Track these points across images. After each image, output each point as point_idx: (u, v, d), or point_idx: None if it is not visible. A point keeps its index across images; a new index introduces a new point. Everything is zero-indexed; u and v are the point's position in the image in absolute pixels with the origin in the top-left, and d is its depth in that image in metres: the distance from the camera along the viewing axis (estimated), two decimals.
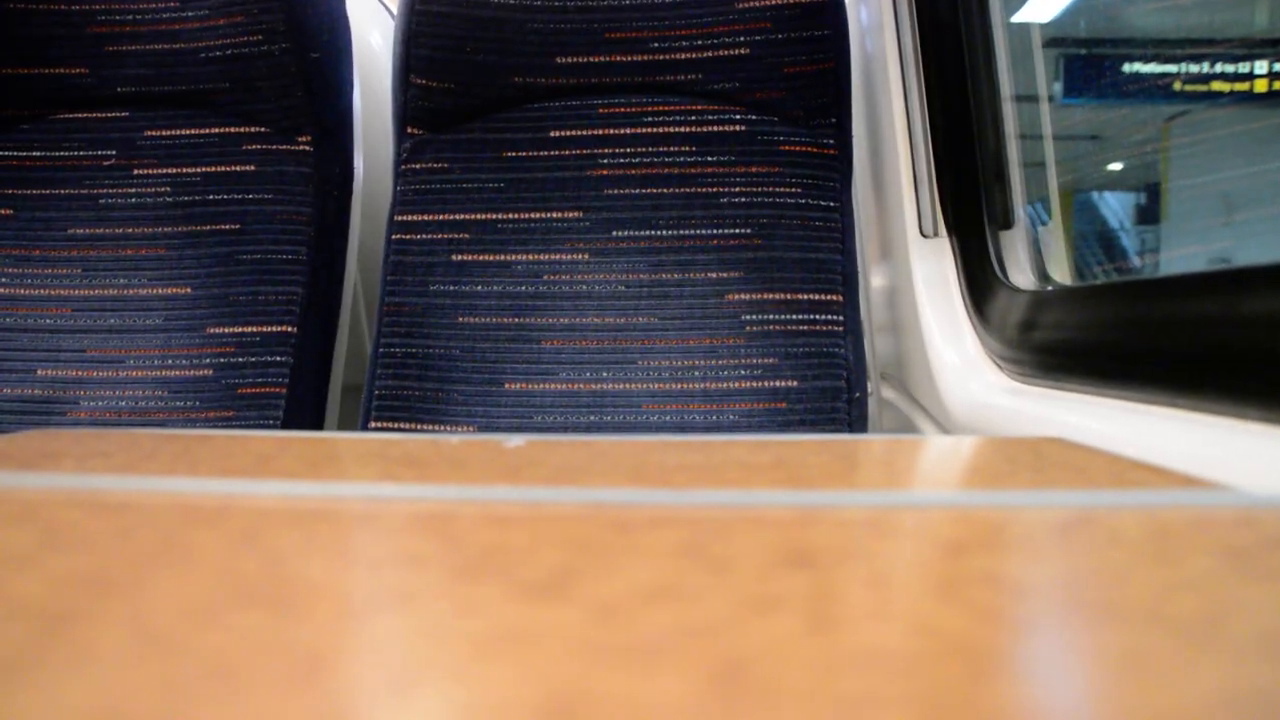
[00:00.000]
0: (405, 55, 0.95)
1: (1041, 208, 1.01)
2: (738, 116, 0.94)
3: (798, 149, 0.93)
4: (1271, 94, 5.89)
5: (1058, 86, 5.86)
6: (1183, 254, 6.45)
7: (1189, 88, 5.88)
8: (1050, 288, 0.81)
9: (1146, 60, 5.88)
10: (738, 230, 0.91)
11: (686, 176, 0.93)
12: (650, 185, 0.94)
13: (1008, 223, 0.88)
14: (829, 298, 0.87)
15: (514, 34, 0.95)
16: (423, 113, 0.96)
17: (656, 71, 0.95)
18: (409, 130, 0.97)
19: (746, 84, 0.94)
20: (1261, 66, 5.84)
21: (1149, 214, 7.19)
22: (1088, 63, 5.94)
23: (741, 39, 0.94)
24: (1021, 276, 0.87)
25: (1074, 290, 0.71)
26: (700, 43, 0.95)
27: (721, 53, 0.94)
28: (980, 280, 0.85)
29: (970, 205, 0.90)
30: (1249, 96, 5.87)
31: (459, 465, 0.40)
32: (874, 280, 1.07)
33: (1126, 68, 5.94)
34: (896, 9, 1.02)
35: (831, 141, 0.93)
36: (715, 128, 0.94)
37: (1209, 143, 6.19)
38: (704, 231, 0.92)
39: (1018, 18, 5.93)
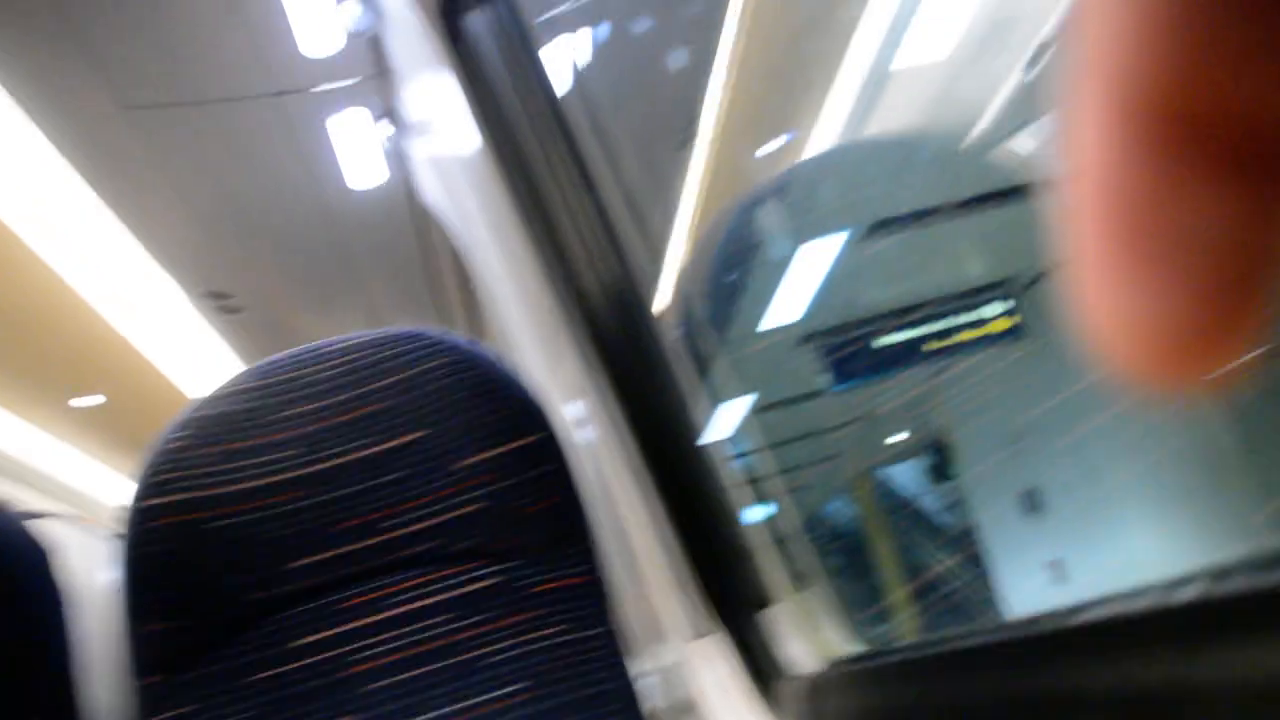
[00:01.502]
0: (130, 602, 0.94)
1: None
2: (485, 571, 0.96)
3: (553, 586, 0.95)
4: (1012, 330, 6.54)
5: (824, 377, 6.34)
6: (988, 501, 6.83)
7: (940, 344, 6.47)
8: (826, 667, 0.84)
9: (898, 330, 6.46)
10: (515, 686, 0.91)
11: (449, 647, 0.93)
12: (414, 667, 0.93)
13: (765, 603, 0.91)
14: None
15: (244, 554, 0.95)
16: (154, 658, 0.93)
17: (393, 550, 0.97)
18: (144, 681, 0.93)
19: (487, 537, 0.97)
20: (994, 309, 6.52)
21: (943, 472, 7.67)
22: (846, 347, 6.47)
23: (471, 495, 0.97)
24: (802, 652, 0.89)
25: (848, 673, 0.73)
26: (432, 510, 0.98)
27: (454, 514, 0.97)
28: (761, 671, 0.87)
29: (730, 594, 0.93)
30: (993, 338, 6.50)
31: None
32: (658, 697, 1.07)
33: (877, 343, 6.49)
34: (619, 431, 1.09)
35: (585, 568, 0.96)
36: (466, 589, 0.96)
37: (975, 388, 6.76)
38: (482, 698, 0.91)
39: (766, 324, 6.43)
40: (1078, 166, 0.17)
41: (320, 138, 3.24)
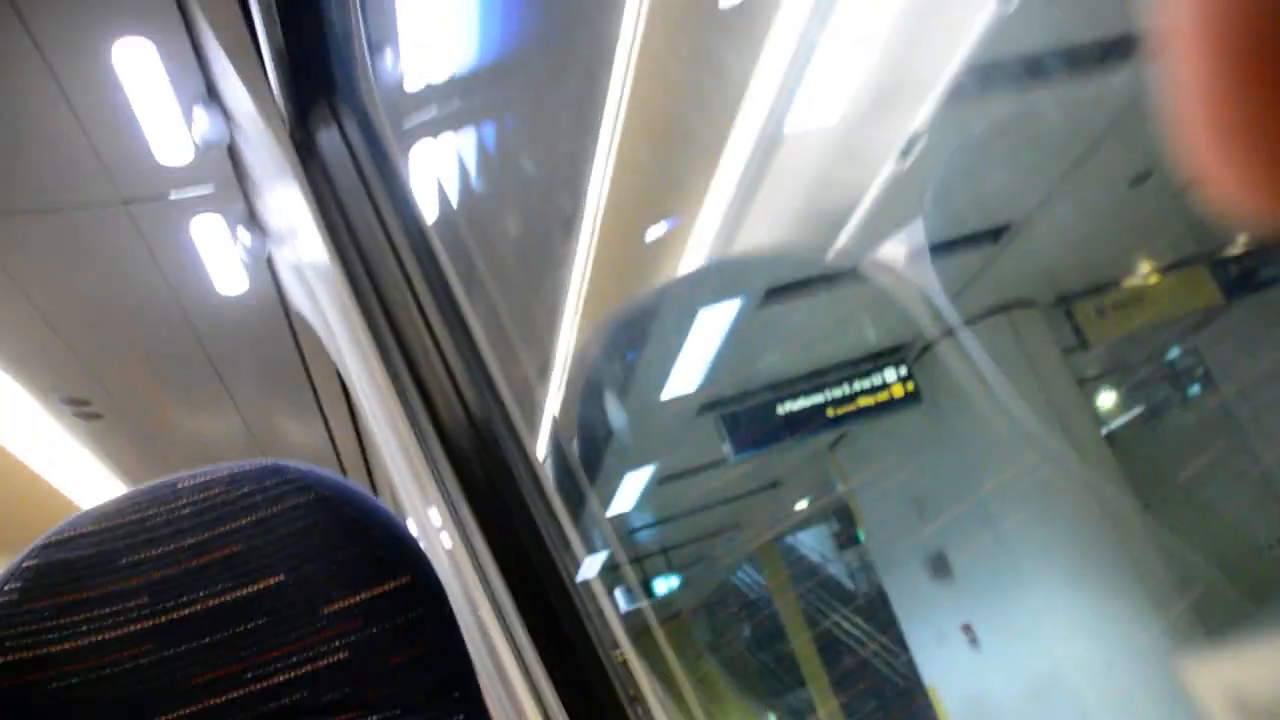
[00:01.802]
0: None
1: None
2: None
3: None
4: (909, 395, 6.59)
5: (726, 447, 6.32)
6: (895, 560, 6.88)
7: (841, 410, 6.49)
8: None
9: (796, 397, 6.46)
10: None
11: None
12: None
13: None
14: None
15: (88, 718, 0.84)
16: None
17: (258, 704, 0.87)
18: None
19: (357, 687, 0.88)
20: (891, 374, 6.57)
21: (848, 538, 7.73)
22: (746, 416, 6.45)
23: (338, 643, 0.89)
24: None
25: None
26: (296, 659, 0.89)
27: (321, 663, 0.89)
28: None
29: None
30: (892, 403, 6.55)
31: None
32: None
33: (781, 409, 6.49)
34: (485, 570, 1.02)
35: (463, 716, 0.88)
36: None
37: (875, 453, 6.82)
38: None
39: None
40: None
41: (179, 243, 3.10)
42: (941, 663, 6.68)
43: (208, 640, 0.89)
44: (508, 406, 1.50)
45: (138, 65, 2.39)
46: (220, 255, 3.10)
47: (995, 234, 5.50)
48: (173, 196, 2.91)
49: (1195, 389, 6.91)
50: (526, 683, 1.07)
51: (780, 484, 8.15)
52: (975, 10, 3.66)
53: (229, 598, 0.91)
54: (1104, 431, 6.63)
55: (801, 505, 8.56)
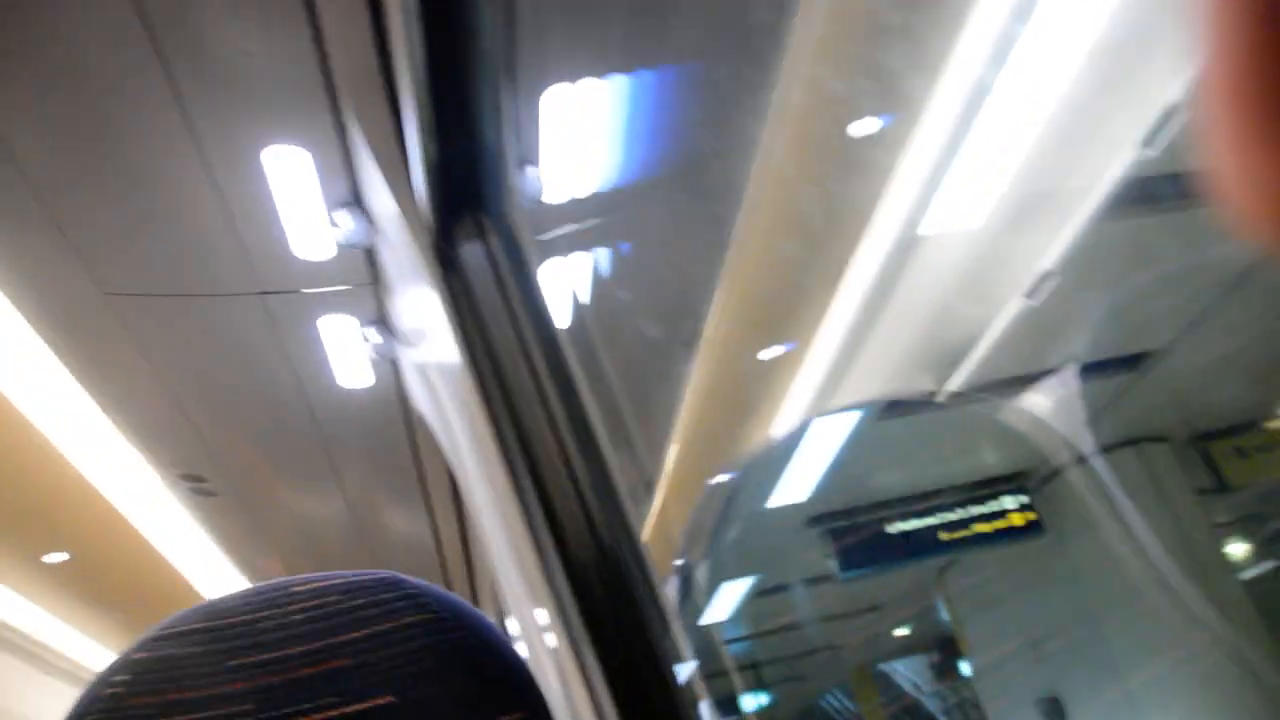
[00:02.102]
0: None
1: None
2: None
3: None
4: (1029, 525, 6.31)
5: (832, 563, 6.11)
6: (1002, 699, 6.53)
7: (953, 535, 6.25)
8: None
9: (907, 518, 6.25)
10: None
11: None
12: None
13: None
14: None
15: None
16: None
17: None
18: None
19: None
20: (1010, 501, 6.31)
21: (949, 669, 7.39)
22: (855, 532, 6.25)
23: None
24: None
25: None
26: None
27: None
28: None
29: None
30: (1010, 532, 6.28)
31: None
32: None
33: (890, 529, 6.28)
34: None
35: None
36: None
37: (984, 585, 6.53)
38: None
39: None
40: (1219, 44, 0.20)
41: (308, 337, 3.16)
42: None
43: None
44: (626, 514, 1.49)
45: (289, 169, 2.44)
46: (347, 350, 3.14)
47: (1134, 361, 5.29)
48: (307, 291, 2.95)
49: None
50: None
51: (881, 608, 7.88)
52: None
53: (335, 713, 0.85)
54: (1242, 577, 6.26)
55: (902, 631, 8.24)
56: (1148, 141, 3.49)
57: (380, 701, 0.86)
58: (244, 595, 0.94)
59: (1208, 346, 5.11)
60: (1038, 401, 4.88)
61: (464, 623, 0.92)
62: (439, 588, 0.95)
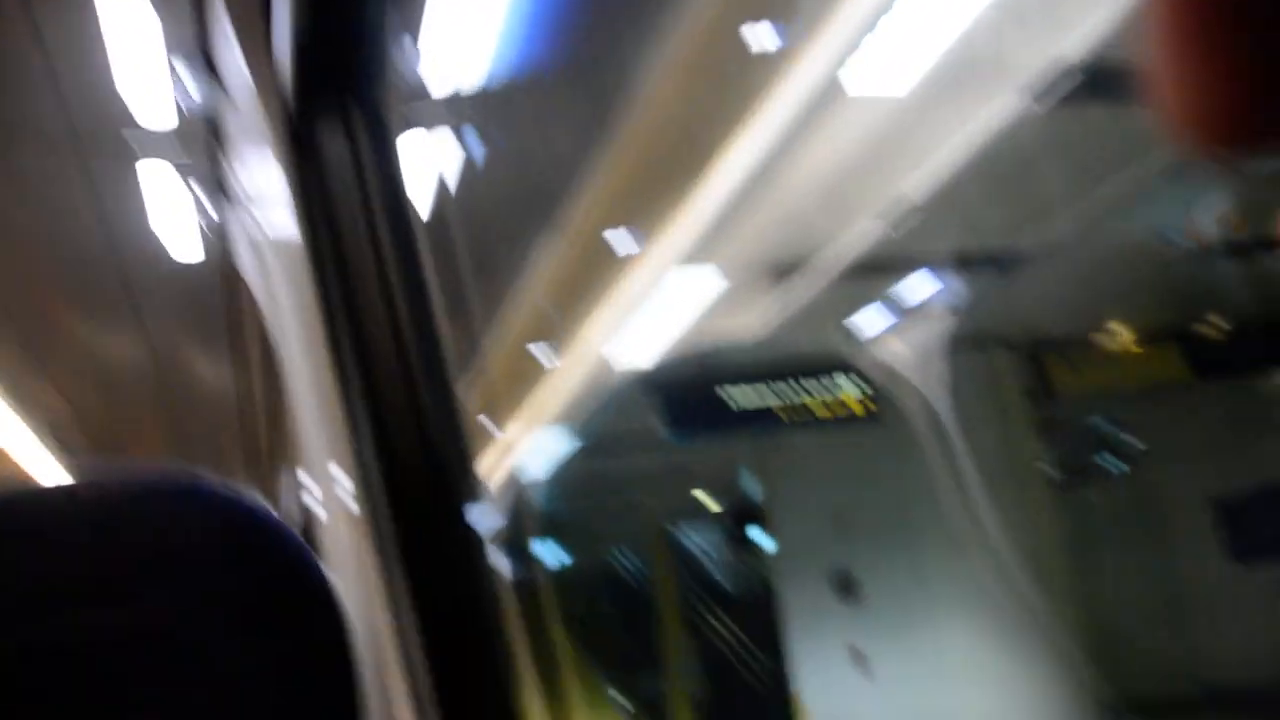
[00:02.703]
0: None
1: None
2: None
3: None
4: (869, 415, 6.37)
5: (662, 428, 6.03)
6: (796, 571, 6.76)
7: (789, 415, 6.24)
8: None
9: (742, 387, 6.19)
10: None
11: None
12: None
13: None
14: None
15: None
16: None
17: None
18: None
19: None
20: (852, 389, 6.33)
21: (744, 540, 7.63)
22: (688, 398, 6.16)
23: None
24: None
25: None
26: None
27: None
28: None
29: None
30: (850, 420, 6.33)
31: None
32: None
33: (732, 402, 6.23)
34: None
35: None
36: None
37: (807, 466, 6.65)
38: None
39: None
40: None
41: (123, 177, 2.86)
42: (823, 680, 6.58)
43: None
44: (453, 398, 1.48)
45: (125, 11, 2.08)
46: (165, 199, 2.84)
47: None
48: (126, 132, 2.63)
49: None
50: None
51: (693, 476, 8.04)
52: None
53: (109, 624, 0.78)
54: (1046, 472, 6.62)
55: (709, 502, 8.42)
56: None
57: (162, 613, 0.81)
58: (33, 493, 0.91)
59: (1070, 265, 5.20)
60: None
61: (263, 537, 0.89)
62: (240, 494, 0.89)
